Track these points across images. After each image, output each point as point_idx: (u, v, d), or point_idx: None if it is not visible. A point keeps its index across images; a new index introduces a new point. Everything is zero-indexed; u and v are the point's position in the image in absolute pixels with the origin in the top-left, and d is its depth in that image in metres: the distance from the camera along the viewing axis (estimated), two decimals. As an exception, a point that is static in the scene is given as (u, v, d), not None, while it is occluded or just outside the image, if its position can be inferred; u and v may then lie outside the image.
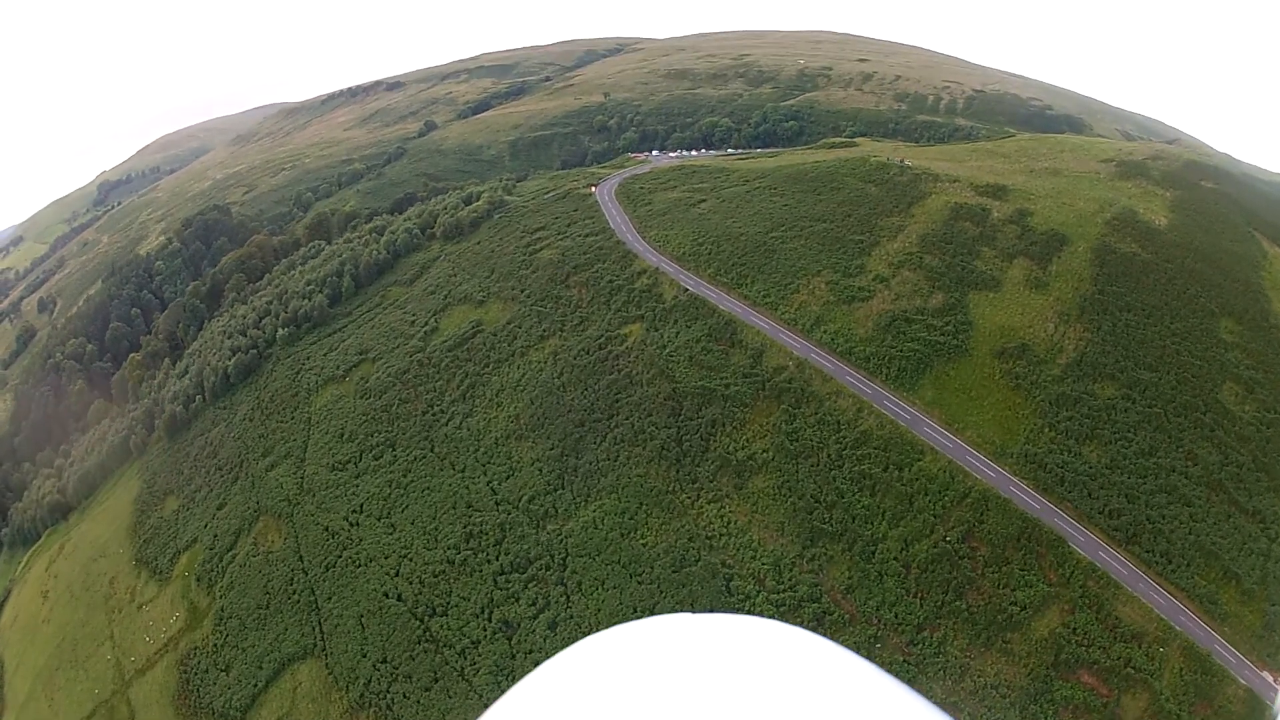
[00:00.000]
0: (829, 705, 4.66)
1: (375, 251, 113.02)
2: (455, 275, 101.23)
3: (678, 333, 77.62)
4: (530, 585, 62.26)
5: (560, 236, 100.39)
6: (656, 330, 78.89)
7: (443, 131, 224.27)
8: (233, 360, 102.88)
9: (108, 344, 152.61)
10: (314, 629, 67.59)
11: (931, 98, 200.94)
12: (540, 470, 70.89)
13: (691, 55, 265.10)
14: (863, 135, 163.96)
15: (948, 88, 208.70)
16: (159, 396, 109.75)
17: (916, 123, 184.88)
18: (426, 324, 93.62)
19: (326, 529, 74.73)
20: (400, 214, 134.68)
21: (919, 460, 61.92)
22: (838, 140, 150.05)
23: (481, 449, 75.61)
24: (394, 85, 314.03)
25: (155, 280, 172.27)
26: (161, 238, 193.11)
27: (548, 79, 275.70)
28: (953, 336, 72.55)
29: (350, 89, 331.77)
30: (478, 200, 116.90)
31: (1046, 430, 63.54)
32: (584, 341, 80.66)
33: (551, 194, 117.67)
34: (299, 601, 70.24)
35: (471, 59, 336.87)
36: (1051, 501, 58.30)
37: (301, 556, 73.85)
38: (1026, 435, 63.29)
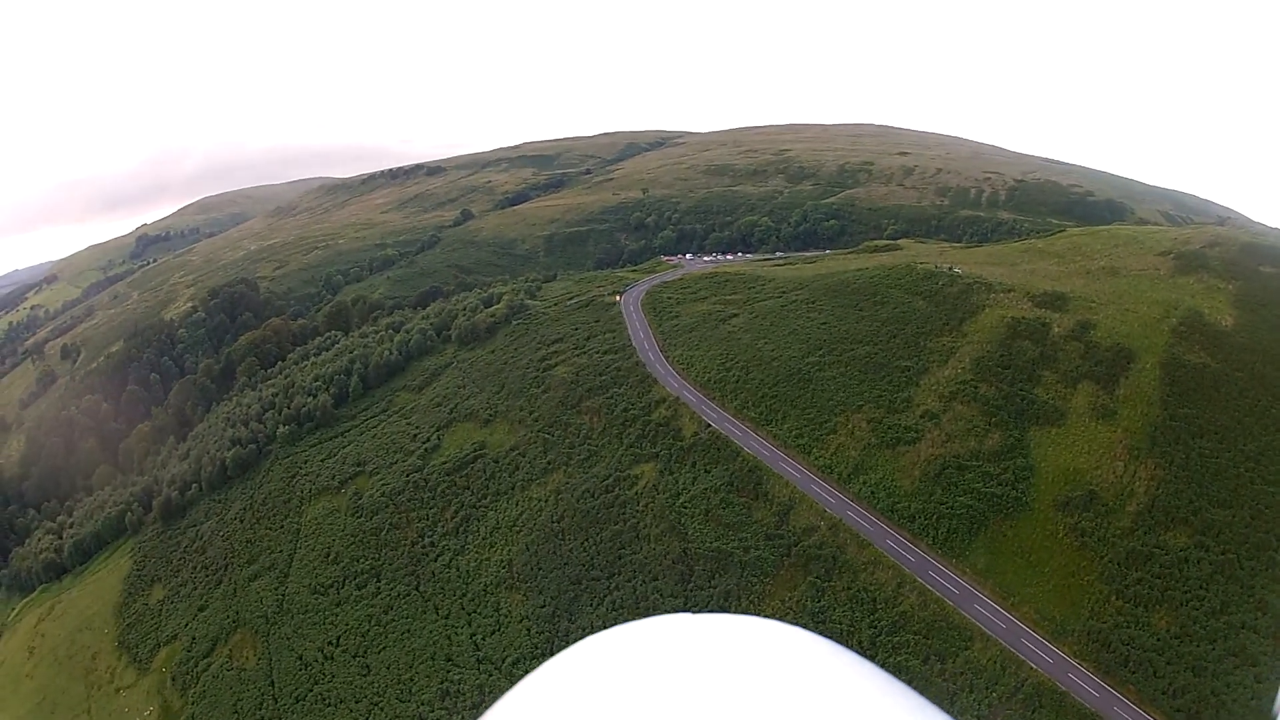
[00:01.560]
0: (829, 705, 4.52)
1: (387, 351, 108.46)
2: (464, 387, 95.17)
3: (694, 479, 69.31)
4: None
5: (577, 351, 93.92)
6: (671, 474, 70.68)
7: (479, 222, 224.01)
8: (231, 453, 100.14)
9: (122, 406, 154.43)
10: (278, 764, 62.07)
11: (973, 190, 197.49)
12: (528, 630, 63.41)
13: (732, 150, 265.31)
14: (905, 235, 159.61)
15: (989, 179, 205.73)
16: (160, 475, 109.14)
17: (959, 219, 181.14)
18: (428, 440, 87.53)
19: (300, 657, 71.46)
20: (421, 309, 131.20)
21: (966, 649, 53.05)
22: (880, 243, 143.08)
23: (469, 595, 68.88)
24: (435, 170, 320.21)
25: (177, 348, 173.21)
26: (188, 304, 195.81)
27: (588, 171, 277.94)
28: (1011, 487, 63.43)
29: (391, 171, 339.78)
30: (498, 303, 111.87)
31: (1113, 599, 54.81)
32: (590, 481, 72.93)
33: (575, 300, 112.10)
34: (265, 731, 65.88)
35: (514, 147, 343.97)
36: (1113, 685, 49.79)
37: (273, 681, 70.37)
38: (1091, 607, 54.61)
